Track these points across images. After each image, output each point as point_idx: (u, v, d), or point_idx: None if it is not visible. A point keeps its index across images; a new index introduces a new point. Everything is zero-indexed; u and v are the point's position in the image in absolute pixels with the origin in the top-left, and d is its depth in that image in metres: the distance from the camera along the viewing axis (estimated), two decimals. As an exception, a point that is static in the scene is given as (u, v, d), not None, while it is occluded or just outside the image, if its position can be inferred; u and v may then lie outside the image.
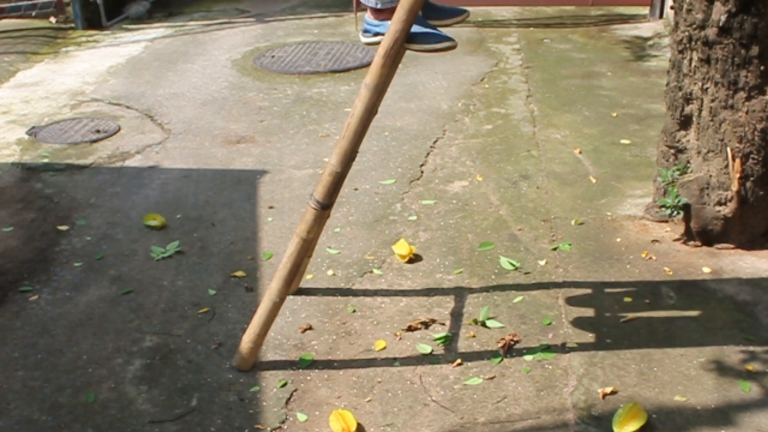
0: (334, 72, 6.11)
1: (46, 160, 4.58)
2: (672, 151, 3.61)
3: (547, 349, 2.86)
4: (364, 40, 2.69)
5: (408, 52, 2.56)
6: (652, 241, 3.57)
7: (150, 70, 6.29)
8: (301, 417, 2.57)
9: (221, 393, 2.69)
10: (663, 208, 3.56)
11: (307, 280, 3.33)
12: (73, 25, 7.63)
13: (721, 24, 3.20)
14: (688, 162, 3.55)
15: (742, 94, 3.29)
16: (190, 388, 2.71)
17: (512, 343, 2.89)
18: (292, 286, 3.19)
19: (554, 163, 4.41)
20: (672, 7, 3.60)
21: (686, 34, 3.37)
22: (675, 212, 3.52)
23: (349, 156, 2.53)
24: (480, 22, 7.49)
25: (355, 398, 2.65)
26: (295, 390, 2.70)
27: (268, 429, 2.53)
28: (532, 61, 6.26)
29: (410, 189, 4.15)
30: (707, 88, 3.37)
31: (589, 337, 2.92)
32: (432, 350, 2.88)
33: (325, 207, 2.59)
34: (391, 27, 2.36)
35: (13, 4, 7.68)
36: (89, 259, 3.54)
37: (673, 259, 3.42)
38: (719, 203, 3.42)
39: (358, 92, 2.47)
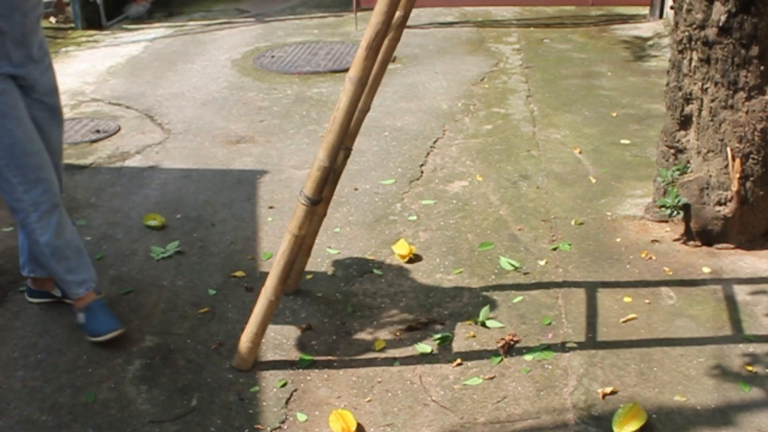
0: (334, 72, 6.10)
1: (46, 160, 4.58)
2: (672, 151, 3.61)
3: (547, 349, 2.86)
4: None
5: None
6: (652, 241, 3.57)
7: (150, 70, 6.29)
8: (301, 417, 2.57)
9: (221, 393, 2.69)
10: (663, 208, 3.56)
11: (307, 280, 3.33)
12: (73, 25, 7.63)
13: (721, 24, 3.21)
14: (688, 162, 3.55)
15: (742, 94, 3.29)
16: (190, 388, 2.71)
17: (512, 343, 2.89)
18: (291, 285, 3.20)
19: (554, 163, 4.41)
20: (672, 7, 3.60)
21: (686, 34, 3.37)
22: (675, 212, 3.52)
23: (336, 150, 2.53)
24: (480, 22, 7.49)
25: (355, 398, 2.65)
26: (295, 390, 2.70)
27: (268, 429, 2.53)
28: (532, 61, 6.26)
29: (410, 189, 4.15)
30: (707, 88, 3.37)
31: (589, 337, 2.92)
32: (432, 350, 2.88)
33: (314, 202, 2.59)
34: (372, 19, 2.37)
35: (13, 4, 7.67)
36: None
37: (673, 259, 3.42)
38: (719, 203, 3.42)
39: (343, 86, 2.47)
